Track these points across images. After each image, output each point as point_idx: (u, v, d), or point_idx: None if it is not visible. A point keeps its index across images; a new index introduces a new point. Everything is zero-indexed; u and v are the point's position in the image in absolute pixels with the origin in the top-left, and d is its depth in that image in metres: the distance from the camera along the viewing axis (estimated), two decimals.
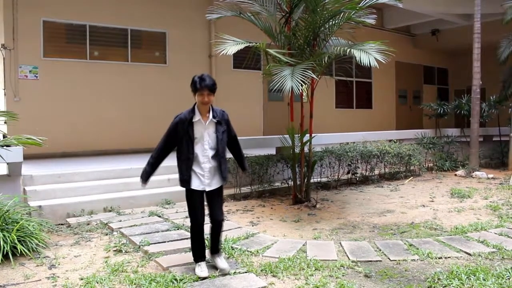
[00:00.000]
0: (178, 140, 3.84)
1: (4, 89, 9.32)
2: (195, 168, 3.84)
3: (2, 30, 9.36)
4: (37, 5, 9.59)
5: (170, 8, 11.41)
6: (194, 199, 3.89)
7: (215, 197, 3.97)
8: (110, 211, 6.33)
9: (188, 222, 5.68)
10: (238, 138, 4.19)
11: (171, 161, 3.98)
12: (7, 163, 5.91)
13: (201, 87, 3.72)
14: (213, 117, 3.84)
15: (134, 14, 10.92)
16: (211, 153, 3.85)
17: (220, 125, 3.87)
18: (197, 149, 3.83)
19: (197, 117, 3.80)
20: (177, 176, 3.93)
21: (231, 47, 6.06)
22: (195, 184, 3.85)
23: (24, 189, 6.30)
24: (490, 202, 7.23)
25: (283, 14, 6.95)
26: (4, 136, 5.68)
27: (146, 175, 3.94)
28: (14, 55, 9.32)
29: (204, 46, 12.00)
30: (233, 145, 4.10)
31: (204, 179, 3.86)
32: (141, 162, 8.07)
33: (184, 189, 3.94)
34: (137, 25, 11.05)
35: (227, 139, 3.97)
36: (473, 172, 10.27)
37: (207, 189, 3.89)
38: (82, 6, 10.18)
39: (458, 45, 16.56)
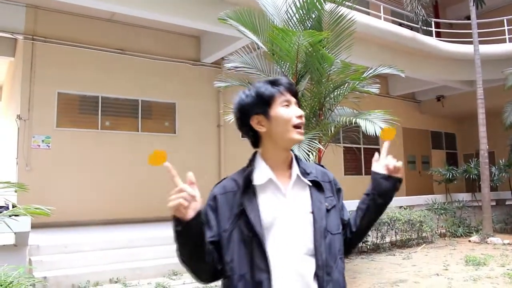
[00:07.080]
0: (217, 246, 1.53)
1: (16, 158, 9.51)
2: None
3: (18, 102, 9.73)
4: (53, 78, 10.00)
5: (179, 81, 11.80)
6: None
7: None
8: (116, 282, 6.19)
9: None
10: None
11: None
12: (14, 233, 5.90)
13: (279, 85, 1.67)
14: (304, 173, 1.62)
15: (145, 86, 11.30)
16: (310, 263, 1.50)
17: (322, 192, 1.61)
18: (275, 255, 1.47)
19: (265, 175, 1.56)
20: None
21: None
22: None
23: (29, 259, 6.23)
24: (508, 269, 6.99)
25: None
26: (13, 206, 5.72)
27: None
28: (28, 125, 9.61)
29: (213, 116, 12.23)
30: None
31: None
32: (149, 232, 8.06)
33: None
34: (148, 96, 11.39)
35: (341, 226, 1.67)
36: (488, 238, 10.02)
37: None
38: (96, 79, 10.59)
39: (464, 110, 16.73)
